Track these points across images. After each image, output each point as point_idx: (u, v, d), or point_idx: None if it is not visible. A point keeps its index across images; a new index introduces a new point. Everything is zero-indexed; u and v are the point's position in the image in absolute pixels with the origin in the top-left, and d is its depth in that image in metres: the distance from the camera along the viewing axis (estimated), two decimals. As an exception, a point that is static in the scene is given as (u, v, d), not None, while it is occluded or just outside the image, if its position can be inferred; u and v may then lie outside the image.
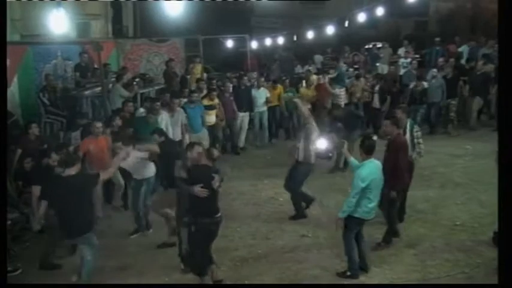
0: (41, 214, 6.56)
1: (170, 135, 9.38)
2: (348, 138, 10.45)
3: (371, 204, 6.34)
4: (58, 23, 12.27)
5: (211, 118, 11.35)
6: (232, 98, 12.00)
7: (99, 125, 8.23)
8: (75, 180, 6.09)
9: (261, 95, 12.46)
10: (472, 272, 6.55)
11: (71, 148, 7.90)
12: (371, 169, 6.27)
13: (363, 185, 6.17)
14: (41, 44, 12.21)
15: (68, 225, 6.09)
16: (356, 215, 6.38)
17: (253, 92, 12.43)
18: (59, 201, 6.10)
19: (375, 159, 6.46)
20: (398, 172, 7.02)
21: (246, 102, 12.28)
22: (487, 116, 13.96)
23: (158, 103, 9.73)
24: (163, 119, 9.62)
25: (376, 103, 13.05)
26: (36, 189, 6.84)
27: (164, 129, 9.26)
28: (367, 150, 6.38)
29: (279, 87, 13.01)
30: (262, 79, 12.91)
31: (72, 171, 6.10)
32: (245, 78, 12.88)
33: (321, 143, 9.93)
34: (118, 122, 9.00)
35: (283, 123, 13.40)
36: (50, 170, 6.98)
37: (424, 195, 9.28)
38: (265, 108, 12.49)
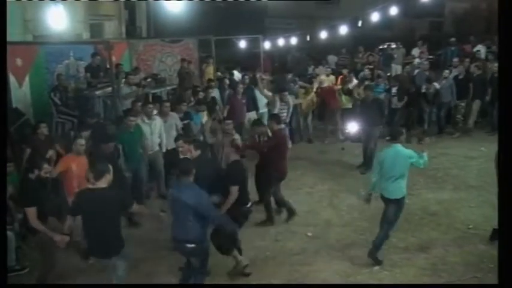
0: (66, 229, 5.90)
1: (164, 141, 9.24)
2: (368, 134, 10.54)
3: (387, 183, 6.85)
4: (57, 19, 12.34)
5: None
6: (244, 100, 11.75)
7: (82, 142, 7.49)
8: (110, 194, 5.55)
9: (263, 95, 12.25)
10: (485, 277, 6.43)
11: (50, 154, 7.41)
12: (387, 153, 6.95)
13: (377, 165, 7.01)
14: (53, 44, 12.24)
15: (103, 244, 5.53)
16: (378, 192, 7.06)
17: (257, 92, 12.19)
18: (90, 217, 5.49)
19: (399, 145, 6.92)
20: (278, 161, 8.16)
21: (252, 102, 12.13)
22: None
23: (151, 106, 9.33)
24: (157, 125, 9.20)
25: (395, 103, 12.90)
26: (31, 211, 6.05)
27: (157, 135, 9.17)
28: (391, 136, 7.58)
29: None
30: (264, 80, 12.60)
31: (103, 183, 5.56)
32: (246, 77, 12.82)
33: (352, 126, 10.05)
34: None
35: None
36: (42, 183, 6.46)
37: (437, 198, 9.18)
38: (266, 109, 12.12)
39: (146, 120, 9.05)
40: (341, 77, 13.95)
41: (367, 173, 10.52)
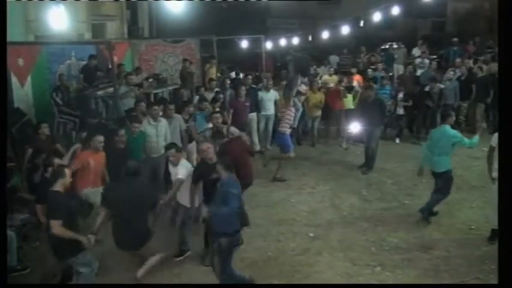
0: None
1: (168, 142, 8.74)
2: (370, 134, 10.50)
3: (433, 157, 8.02)
4: (59, 20, 12.36)
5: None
6: (248, 103, 11.49)
7: (101, 139, 7.56)
8: (54, 199, 5.70)
9: (270, 97, 12.05)
10: (487, 278, 6.42)
11: (67, 158, 7.37)
12: (435, 131, 8.30)
13: (429, 142, 8.27)
14: (55, 44, 12.23)
15: (58, 246, 5.76)
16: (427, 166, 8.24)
17: (262, 94, 12.01)
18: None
19: (448, 126, 7.95)
20: (242, 170, 7.30)
21: (254, 103, 11.89)
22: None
23: (157, 107, 9.01)
24: (163, 127, 8.91)
25: (401, 107, 12.86)
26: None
27: (163, 137, 8.86)
28: (441, 118, 8.35)
29: None
30: (271, 82, 12.36)
31: (57, 187, 5.74)
32: (249, 77, 12.69)
33: (354, 127, 9.91)
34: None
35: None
36: (46, 184, 6.38)
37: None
38: (273, 111, 12.03)
39: (152, 122, 8.80)
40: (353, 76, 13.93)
41: (369, 173, 10.57)
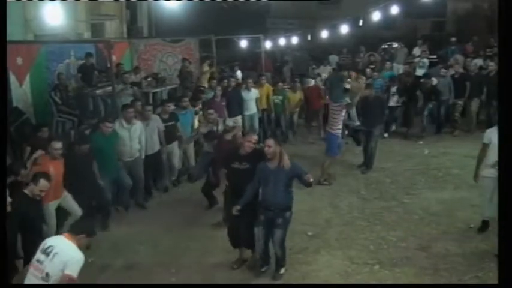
0: None
1: (144, 147, 8.83)
2: (370, 134, 10.47)
3: None
4: (58, 19, 12.40)
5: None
6: (224, 103, 11.29)
7: (58, 145, 6.93)
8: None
9: (252, 96, 12.03)
10: (486, 277, 6.39)
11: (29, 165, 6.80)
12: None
13: None
14: (54, 43, 12.22)
15: None
16: None
17: (244, 94, 11.96)
18: None
19: None
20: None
21: (237, 105, 11.81)
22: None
23: (131, 110, 8.61)
24: (137, 130, 8.62)
25: (394, 101, 12.86)
26: None
27: (137, 140, 8.63)
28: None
29: (266, 87, 12.61)
30: (250, 80, 12.32)
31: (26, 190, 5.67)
32: (232, 79, 12.67)
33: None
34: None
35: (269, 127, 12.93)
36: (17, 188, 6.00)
37: (438, 197, 9.15)
38: (255, 110, 12.07)
39: (125, 125, 8.48)
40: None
41: (368, 172, 10.56)
